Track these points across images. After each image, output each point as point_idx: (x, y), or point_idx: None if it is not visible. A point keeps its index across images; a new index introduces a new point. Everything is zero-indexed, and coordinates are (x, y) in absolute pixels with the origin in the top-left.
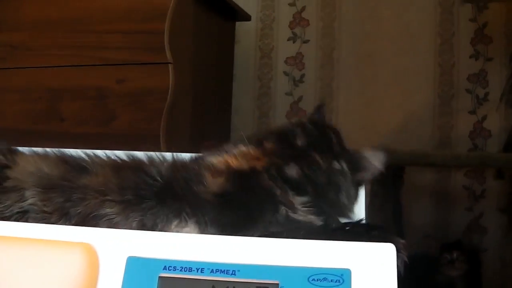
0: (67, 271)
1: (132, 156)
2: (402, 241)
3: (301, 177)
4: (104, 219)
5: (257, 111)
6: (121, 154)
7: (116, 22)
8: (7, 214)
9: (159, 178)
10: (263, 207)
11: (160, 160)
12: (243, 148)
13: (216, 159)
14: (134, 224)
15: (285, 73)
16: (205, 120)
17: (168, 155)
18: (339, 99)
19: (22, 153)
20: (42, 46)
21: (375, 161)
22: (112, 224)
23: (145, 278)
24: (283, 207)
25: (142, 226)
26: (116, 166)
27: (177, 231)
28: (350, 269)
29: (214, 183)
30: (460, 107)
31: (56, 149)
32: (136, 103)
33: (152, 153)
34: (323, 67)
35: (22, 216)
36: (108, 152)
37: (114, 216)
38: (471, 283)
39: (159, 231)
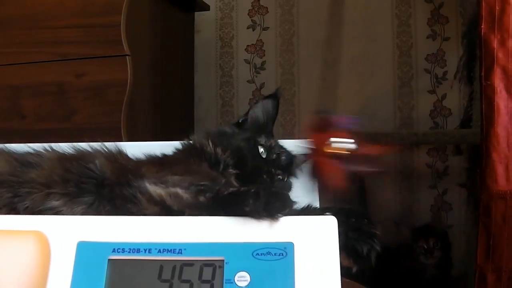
0: (20, 259)
1: (78, 148)
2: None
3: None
4: (51, 212)
5: (220, 100)
6: (67, 146)
7: (73, 16)
8: None
9: (98, 173)
10: None
11: (102, 151)
12: (179, 190)
13: (153, 188)
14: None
15: (246, 61)
16: (168, 111)
17: (111, 144)
18: (300, 84)
19: None
20: (0, 44)
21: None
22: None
23: (95, 261)
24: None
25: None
26: (62, 158)
27: None
28: (293, 242)
29: (149, 209)
30: (420, 87)
31: (10, 146)
32: (96, 96)
33: (95, 144)
34: (283, 53)
35: None
36: (55, 145)
37: (60, 209)
38: (443, 266)
39: None
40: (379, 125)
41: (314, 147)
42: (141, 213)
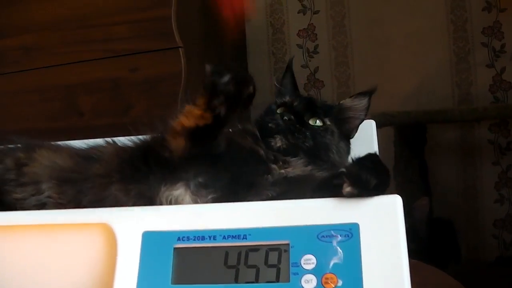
0: (88, 251)
1: (134, 139)
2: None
3: (288, 146)
4: (110, 198)
5: (274, 87)
6: (125, 139)
7: (123, 13)
8: (26, 206)
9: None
10: (252, 166)
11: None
12: (189, 106)
13: (173, 121)
14: (134, 197)
15: (299, 46)
16: None
17: None
18: (354, 66)
19: (39, 149)
20: (54, 45)
21: (359, 108)
22: (116, 202)
23: (161, 250)
24: (274, 165)
25: (141, 196)
26: (119, 148)
27: (169, 195)
28: (358, 223)
29: (176, 147)
30: (478, 61)
31: (71, 142)
32: (151, 90)
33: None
34: (336, 36)
35: (39, 208)
36: (115, 139)
37: (117, 193)
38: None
39: (153, 197)
40: (438, 102)
41: None
42: (169, 154)
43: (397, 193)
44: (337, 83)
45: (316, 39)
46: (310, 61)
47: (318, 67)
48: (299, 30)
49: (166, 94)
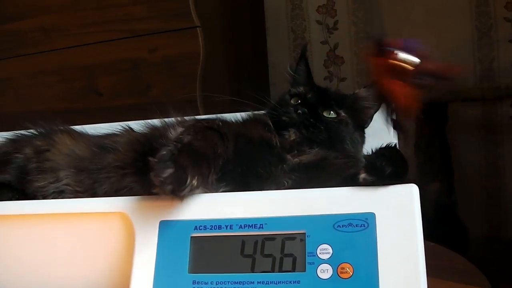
0: (106, 240)
1: (149, 125)
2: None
3: (301, 138)
4: (125, 190)
5: (294, 63)
6: (140, 124)
7: None
8: (45, 194)
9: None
10: (265, 158)
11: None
12: None
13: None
14: (148, 189)
15: (318, 22)
16: (242, 79)
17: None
18: None
19: (59, 136)
20: (73, 26)
21: (372, 98)
22: (132, 194)
23: (178, 239)
24: (288, 155)
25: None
26: (133, 139)
27: None
28: (375, 212)
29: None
30: (500, 37)
31: (88, 127)
32: (170, 70)
33: (168, 119)
34: (356, 11)
35: (58, 195)
36: (129, 123)
37: (132, 185)
38: None
39: None
40: (459, 79)
41: (376, 70)
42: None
43: (418, 172)
44: (357, 59)
45: (336, 15)
46: (330, 37)
47: (338, 43)
48: (319, 6)
49: (185, 74)
